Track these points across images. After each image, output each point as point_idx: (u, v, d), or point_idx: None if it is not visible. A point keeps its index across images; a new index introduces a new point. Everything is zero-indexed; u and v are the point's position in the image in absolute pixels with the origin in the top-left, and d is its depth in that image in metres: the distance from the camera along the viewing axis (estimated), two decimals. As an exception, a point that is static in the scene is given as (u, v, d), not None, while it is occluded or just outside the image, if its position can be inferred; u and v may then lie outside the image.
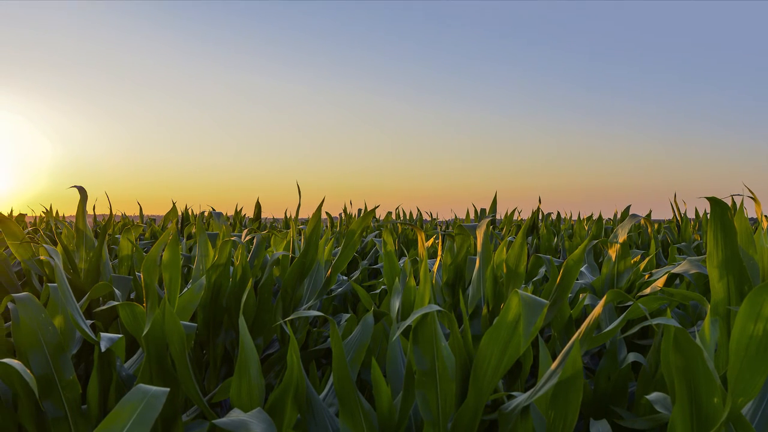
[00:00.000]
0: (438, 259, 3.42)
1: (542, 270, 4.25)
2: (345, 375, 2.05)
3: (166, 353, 2.35)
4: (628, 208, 7.96)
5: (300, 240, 4.58)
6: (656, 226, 8.49)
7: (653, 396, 2.19)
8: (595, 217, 9.23)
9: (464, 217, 9.61)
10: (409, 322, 1.99)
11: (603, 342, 2.32)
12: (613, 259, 3.68)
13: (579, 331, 1.83)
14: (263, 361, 3.46)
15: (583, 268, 4.40)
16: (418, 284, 2.66)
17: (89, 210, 4.09)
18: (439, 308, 2.02)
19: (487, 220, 3.23)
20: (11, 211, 8.72)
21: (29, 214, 8.86)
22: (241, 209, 9.99)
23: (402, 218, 9.97)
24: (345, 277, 4.61)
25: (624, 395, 2.97)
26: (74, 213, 3.96)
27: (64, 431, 2.37)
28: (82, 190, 3.94)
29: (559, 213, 9.94)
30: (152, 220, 10.07)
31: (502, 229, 8.18)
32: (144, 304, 2.44)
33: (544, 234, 7.02)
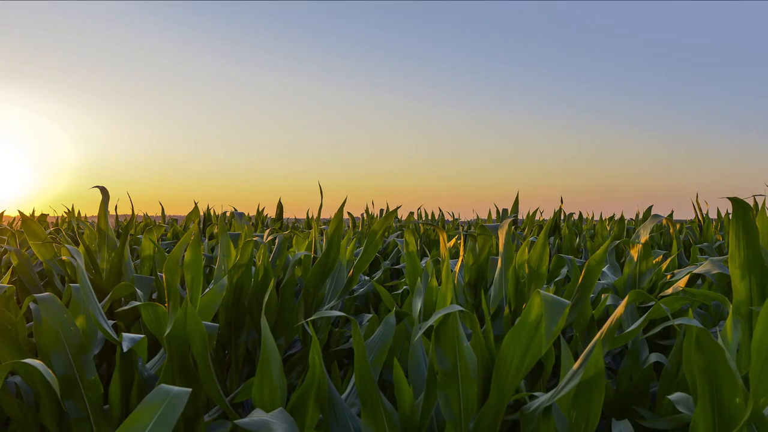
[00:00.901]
0: (460, 259, 3.42)
1: (564, 270, 4.25)
2: (367, 375, 2.06)
3: (188, 353, 2.36)
4: (650, 208, 7.93)
5: (322, 240, 4.59)
6: (678, 226, 8.46)
7: (675, 396, 2.19)
8: (617, 218, 9.20)
9: (486, 218, 9.60)
10: (431, 322, 1.99)
11: (625, 342, 2.32)
12: (635, 259, 3.67)
13: (601, 331, 1.83)
14: (285, 361, 3.47)
15: (605, 269, 4.39)
16: (440, 284, 2.67)
17: (111, 210, 4.10)
18: (461, 308, 2.02)
19: (509, 220, 3.23)
20: (33, 211, 8.77)
21: (51, 215, 8.89)
22: (263, 209, 10.02)
23: (424, 218, 9.97)
24: (367, 278, 4.61)
25: (646, 395, 2.97)
26: (96, 213, 3.98)
27: (85, 431, 2.39)
28: (104, 190, 3.95)
29: (581, 213, 9.90)
30: (174, 220, 10.09)
31: (524, 229, 8.15)
32: (166, 305, 2.45)
33: (566, 234, 7.00)
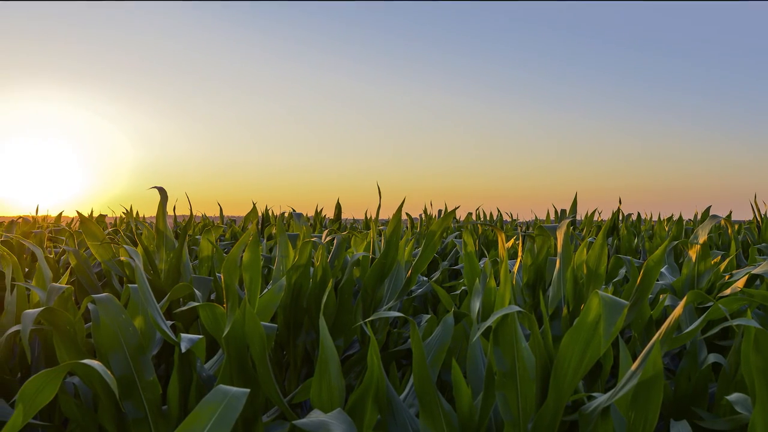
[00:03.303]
0: (518, 259, 3.43)
1: (622, 271, 4.23)
2: (425, 376, 2.07)
3: (247, 354, 2.38)
4: (708, 209, 7.87)
5: (380, 241, 4.61)
6: (736, 227, 8.37)
7: (734, 397, 2.18)
8: (675, 218, 9.13)
9: (544, 218, 9.58)
10: (489, 322, 2.00)
11: (683, 343, 2.31)
12: (694, 260, 3.65)
13: (659, 331, 1.84)
14: (343, 362, 3.48)
15: (663, 269, 4.37)
16: (498, 285, 2.68)
17: (169, 211, 4.14)
18: (519, 309, 2.03)
19: (568, 220, 3.23)
20: (92, 211, 8.89)
21: (109, 215, 9.00)
22: (322, 210, 10.05)
23: (482, 219, 9.95)
24: (425, 278, 4.61)
25: (704, 396, 2.95)
26: (154, 214, 4.02)
27: (144, 432, 2.41)
28: (162, 191, 4.00)
29: (639, 214, 9.84)
30: (232, 220, 10.17)
31: (582, 230, 8.13)
32: (224, 305, 2.47)
33: (624, 235, 6.97)
